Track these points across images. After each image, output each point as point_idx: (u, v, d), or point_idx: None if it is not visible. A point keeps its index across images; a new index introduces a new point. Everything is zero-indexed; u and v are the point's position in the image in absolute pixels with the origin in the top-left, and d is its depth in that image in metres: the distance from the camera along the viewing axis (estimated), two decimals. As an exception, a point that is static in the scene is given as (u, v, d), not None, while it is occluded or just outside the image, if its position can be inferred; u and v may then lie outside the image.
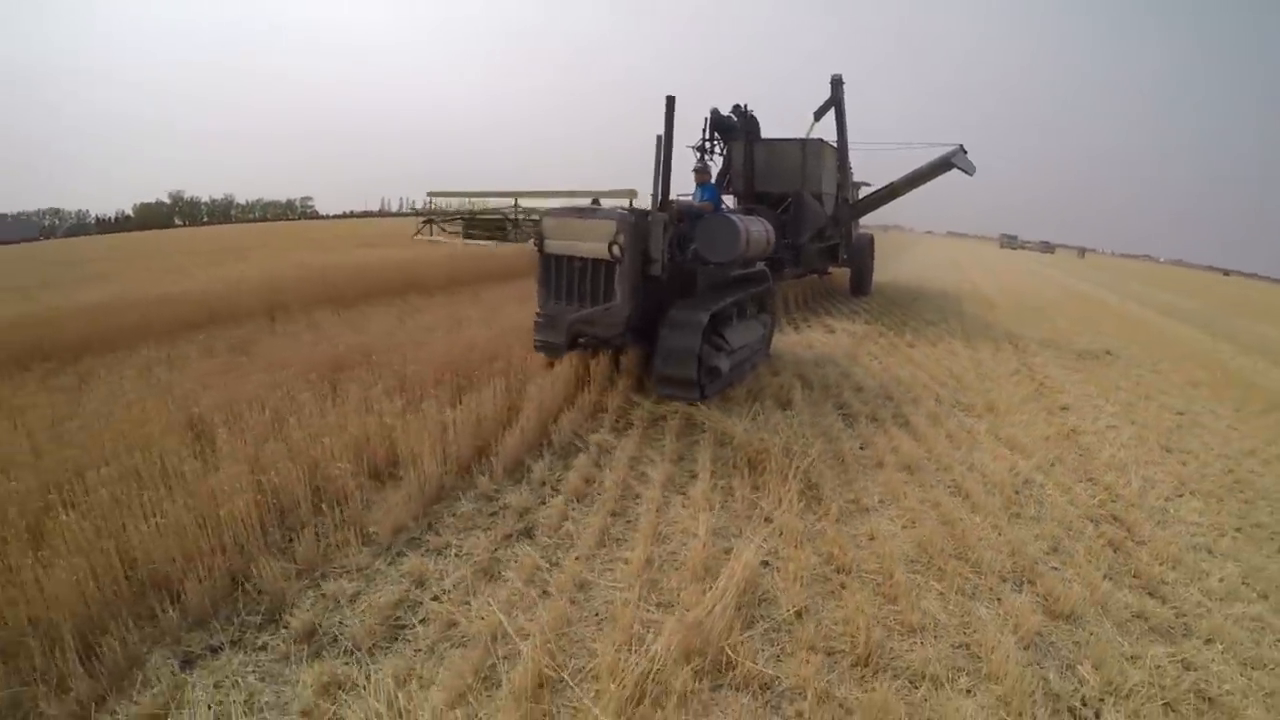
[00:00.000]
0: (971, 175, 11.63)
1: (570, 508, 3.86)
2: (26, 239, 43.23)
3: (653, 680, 2.38)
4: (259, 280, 10.34)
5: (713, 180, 8.69)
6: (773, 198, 11.32)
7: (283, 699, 2.40)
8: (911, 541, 3.64)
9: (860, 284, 14.30)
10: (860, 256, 14.13)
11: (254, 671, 2.53)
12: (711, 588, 2.96)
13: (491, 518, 3.76)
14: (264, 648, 2.67)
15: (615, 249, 5.45)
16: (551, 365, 6.08)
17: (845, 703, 2.45)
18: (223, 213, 62.63)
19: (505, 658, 2.56)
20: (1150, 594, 3.34)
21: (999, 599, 3.17)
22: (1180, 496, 4.56)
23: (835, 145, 12.51)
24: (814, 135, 11.89)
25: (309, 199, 71.14)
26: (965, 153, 11.48)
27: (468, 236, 19.80)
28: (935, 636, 2.85)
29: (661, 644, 2.52)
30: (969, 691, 2.54)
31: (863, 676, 2.60)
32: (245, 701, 2.37)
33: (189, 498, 3.32)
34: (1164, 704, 2.54)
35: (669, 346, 5.55)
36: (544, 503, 3.93)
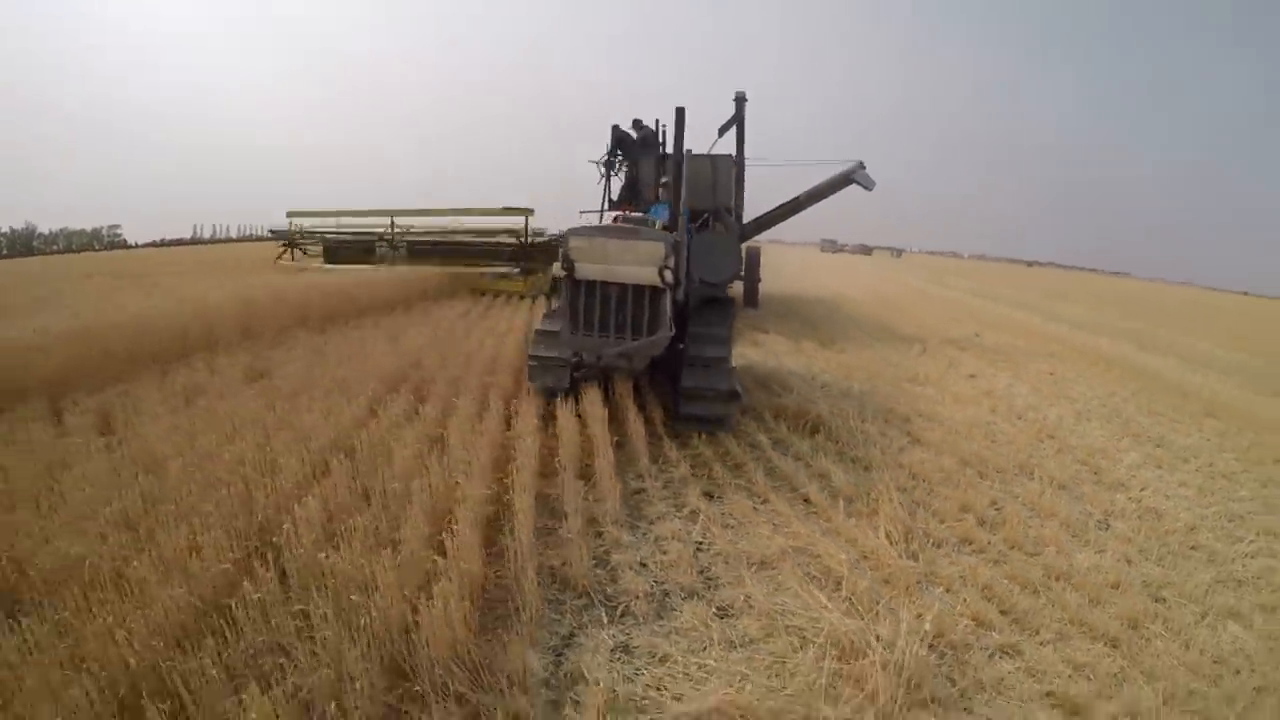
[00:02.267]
0: (870, 190, 12.25)
1: (725, 474, 5.00)
2: None
3: (903, 552, 3.82)
4: (227, 304, 9.73)
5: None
6: (690, 214, 10.66)
7: (682, 646, 2.99)
8: (952, 460, 5.36)
9: (753, 297, 14.83)
10: (752, 271, 14.74)
11: (643, 635, 3.07)
12: (875, 501, 4.38)
13: (666, 488, 4.77)
14: (618, 616, 3.22)
15: (667, 274, 5.14)
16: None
17: (991, 543, 4.07)
18: (24, 244, 53.27)
19: (822, 570, 3.67)
20: (1096, 471, 5.41)
21: (1022, 483, 5.02)
22: (1081, 423, 6.86)
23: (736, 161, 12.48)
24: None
25: (116, 227, 61.96)
26: (864, 169, 12.12)
27: (330, 262, 17.95)
28: (1010, 502, 4.60)
29: (885, 534, 3.97)
30: (1043, 524, 4.29)
31: (989, 525, 4.28)
32: (659, 658, 2.90)
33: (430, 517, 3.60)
34: (1138, 518, 4.51)
35: (698, 387, 5.45)
36: (695, 474, 5.01)
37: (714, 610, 3.28)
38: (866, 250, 80.00)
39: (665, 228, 5.89)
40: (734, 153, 12.64)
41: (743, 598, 3.37)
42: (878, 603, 3.27)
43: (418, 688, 2.57)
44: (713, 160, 11.51)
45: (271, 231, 21.47)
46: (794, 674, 2.79)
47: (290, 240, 19.87)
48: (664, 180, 7.25)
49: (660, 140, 10.35)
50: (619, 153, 10.28)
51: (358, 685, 2.42)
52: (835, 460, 5.26)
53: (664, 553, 3.82)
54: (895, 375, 8.60)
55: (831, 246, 78.08)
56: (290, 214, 20.14)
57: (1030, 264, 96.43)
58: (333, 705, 2.32)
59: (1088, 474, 5.31)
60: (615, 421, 5.79)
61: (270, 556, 3.14)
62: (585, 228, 5.63)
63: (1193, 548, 4.19)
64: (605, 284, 5.30)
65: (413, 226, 17.91)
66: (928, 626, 2.97)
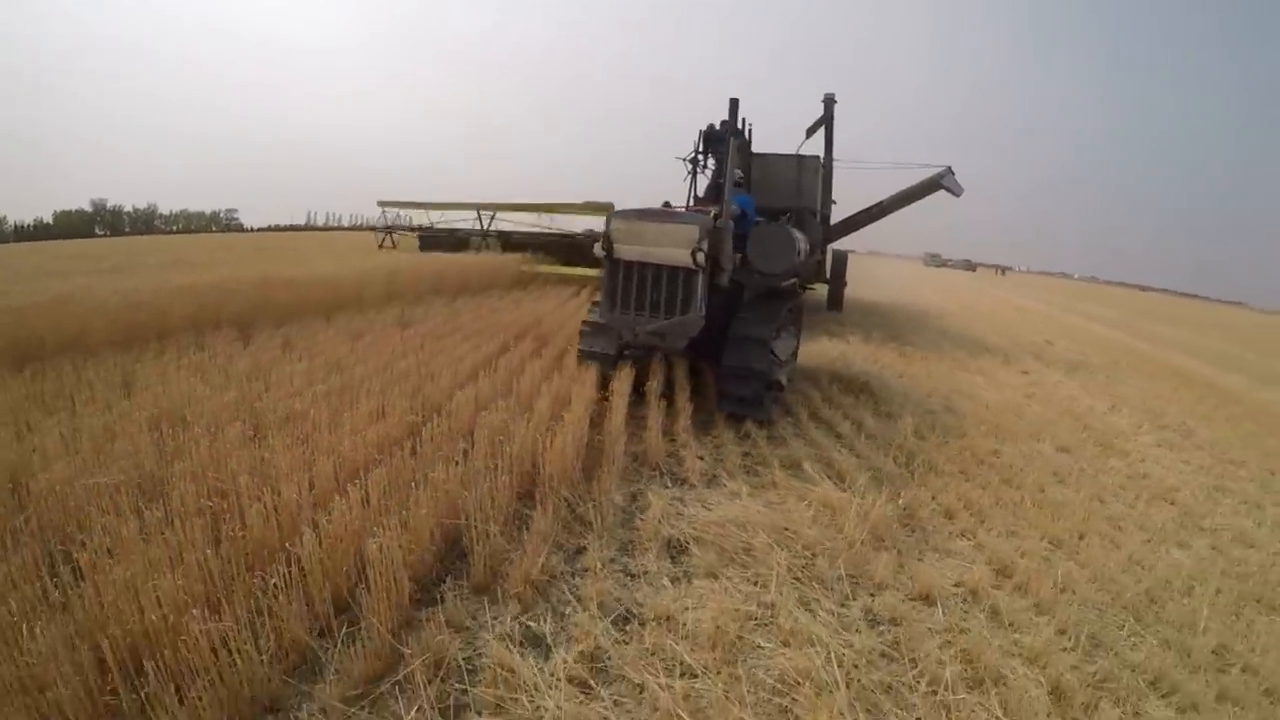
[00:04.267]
0: (959, 196, 12.36)
1: (779, 414, 6.02)
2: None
3: (903, 467, 4.83)
4: (376, 271, 11.58)
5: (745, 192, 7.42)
6: (770, 212, 9.91)
7: (720, 498, 4.59)
8: (972, 422, 6.19)
9: (837, 300, 14.99)
10: (838, 273, 14.98)
11: (694, 494, 4.36)
12: (892, 438, 5.39)
13: (728, 419, 5.77)
14: (678, 483, 4.81)
15: (699, 256, 5.30)
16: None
17: (980, 473, 4.96)
18: (145, 223, 59.58)
19: (835, 471, 4.89)
20: (1103, 445, 6.12)
21: (1030, 444, 5.80)
22: (1112, 413, 7.50)
23: (823, 163, 12.45)
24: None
25: (233, 211, 68.32)
26: (953, 174, 12.07)
27: (423, 249, 19.61)
28: (1011, 454, 5.45)
29: (892, 457, 4.97)
30: (1034, 470, 5.12)
31: (985, 465, 5.16)
32: (702, 503, 4.47)
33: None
34: (1126, 476, 5.28)
35: (736, 365, 5.54)
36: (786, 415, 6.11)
37: (748, 487, 4.42)
38: (971, 266, 77.21)
39: (718, 215, 5.93)
40: (821, 155, 12.48)
41: (772, 480, 4.54)
42: (867, 490, 4.27)
43: (538, 493, 3.89)
44: (799, 161, 11.98)
45: (384, 217, 23.23)
46: (791, 512, 3.96)
47: (389, 229, 22.15)
48: (737, 180, 7.04)
49: (748, 139, 10.27)
50: (707, 150, 10.09)
51: (502, 485, 3.66)
52: (870, 412, 6.26)
53: (719, 454, 5.04)
54: (951, 366, 9.30)
55: (935, 261, 76.56)
56: (381, 203, 22.21)
57: (1144, 289, 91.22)
58: (485, 488, 3.52)
59: (1095, 445, 6.01)
60: (694, 371, 6.86)
61: (437, 417, 4.51)
62: (627, 210, 5.86)
63: (1170, 502, 4.91)
64: (642, 264, 5.56)
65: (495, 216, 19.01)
66: (900, 502, 3.97)
